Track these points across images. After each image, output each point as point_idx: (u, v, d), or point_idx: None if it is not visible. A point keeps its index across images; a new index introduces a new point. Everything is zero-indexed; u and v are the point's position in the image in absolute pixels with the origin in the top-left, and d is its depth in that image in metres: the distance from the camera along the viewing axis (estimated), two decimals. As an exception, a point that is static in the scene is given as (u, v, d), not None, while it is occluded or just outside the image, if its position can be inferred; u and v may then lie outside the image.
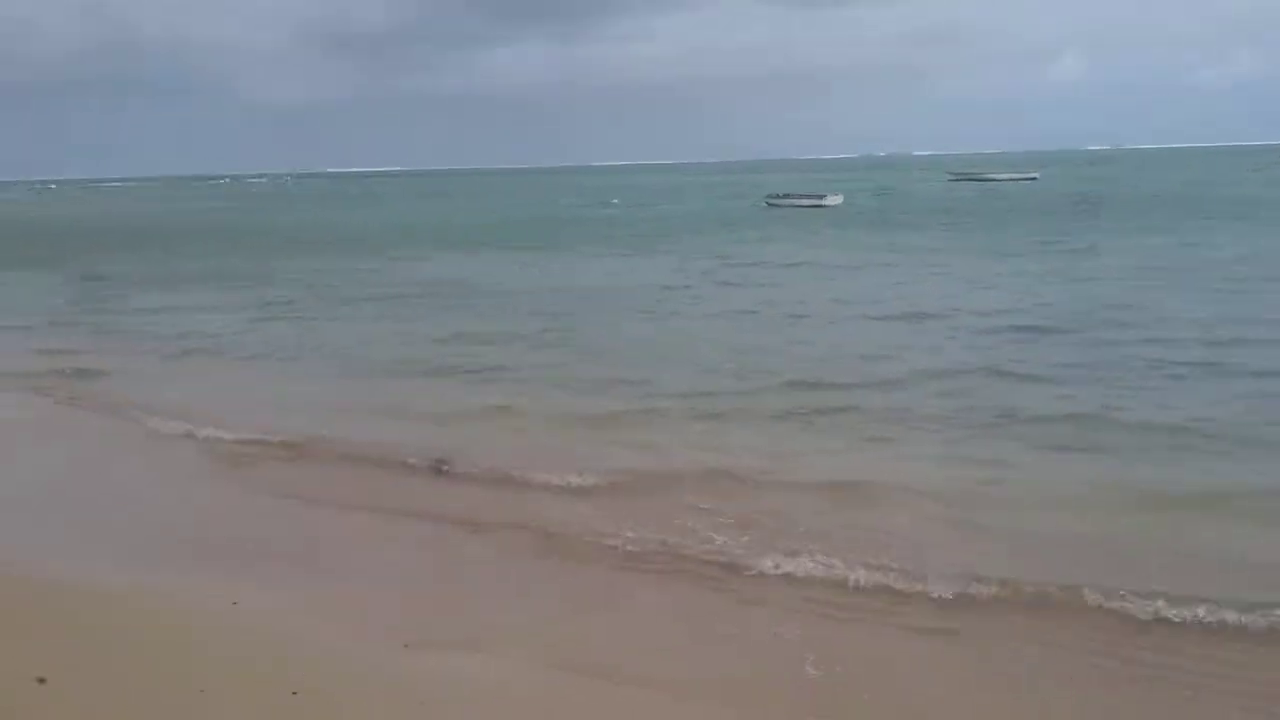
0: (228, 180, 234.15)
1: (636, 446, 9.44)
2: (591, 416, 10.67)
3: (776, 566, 6.62)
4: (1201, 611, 5.71)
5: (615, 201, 69.05)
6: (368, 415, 10.88)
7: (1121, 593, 5.91)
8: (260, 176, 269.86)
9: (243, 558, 7.06)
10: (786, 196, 58.55)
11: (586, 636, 5.72)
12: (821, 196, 57.05)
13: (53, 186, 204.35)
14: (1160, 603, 5.78)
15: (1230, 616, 5.67)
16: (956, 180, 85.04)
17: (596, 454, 9.13)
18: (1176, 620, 5.69)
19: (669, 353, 13.97)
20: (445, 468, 8.80)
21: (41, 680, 4.80)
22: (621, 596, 6.31)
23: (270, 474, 9.05)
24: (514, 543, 7.23)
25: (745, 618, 6.02)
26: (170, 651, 5.36)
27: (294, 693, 4.82)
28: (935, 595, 6.09)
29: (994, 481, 8.27)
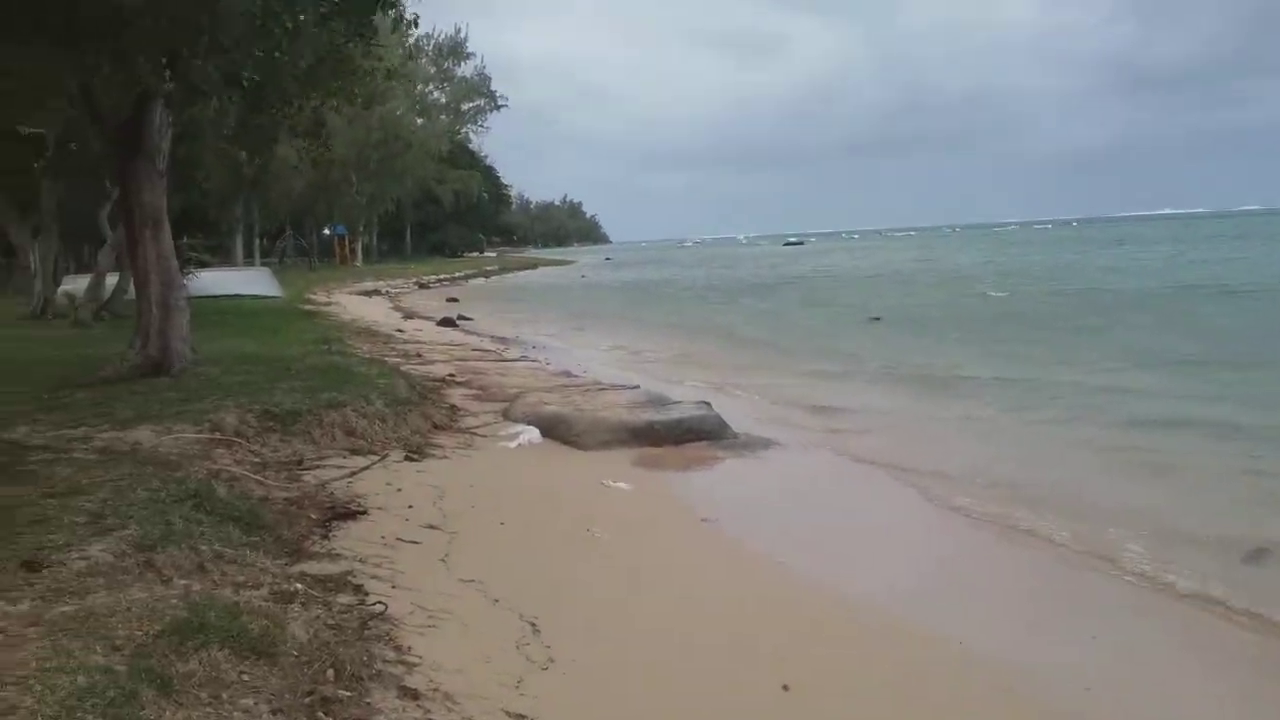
0: (1014, 226, 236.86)
1: None
2: None
3: None
4: None
5: None
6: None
7: None
8: (1047, 223, 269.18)
9: (985, 603, 6.63)
10: None
11: None
12: None
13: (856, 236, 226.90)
14: None
15: None
16: None
17: None
18: None
19: None
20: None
21: (785, 688, 4.95)
22: None
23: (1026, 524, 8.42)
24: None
25: None
26: (898, 679, 5.21)
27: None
28: None
29: None
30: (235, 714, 3.88)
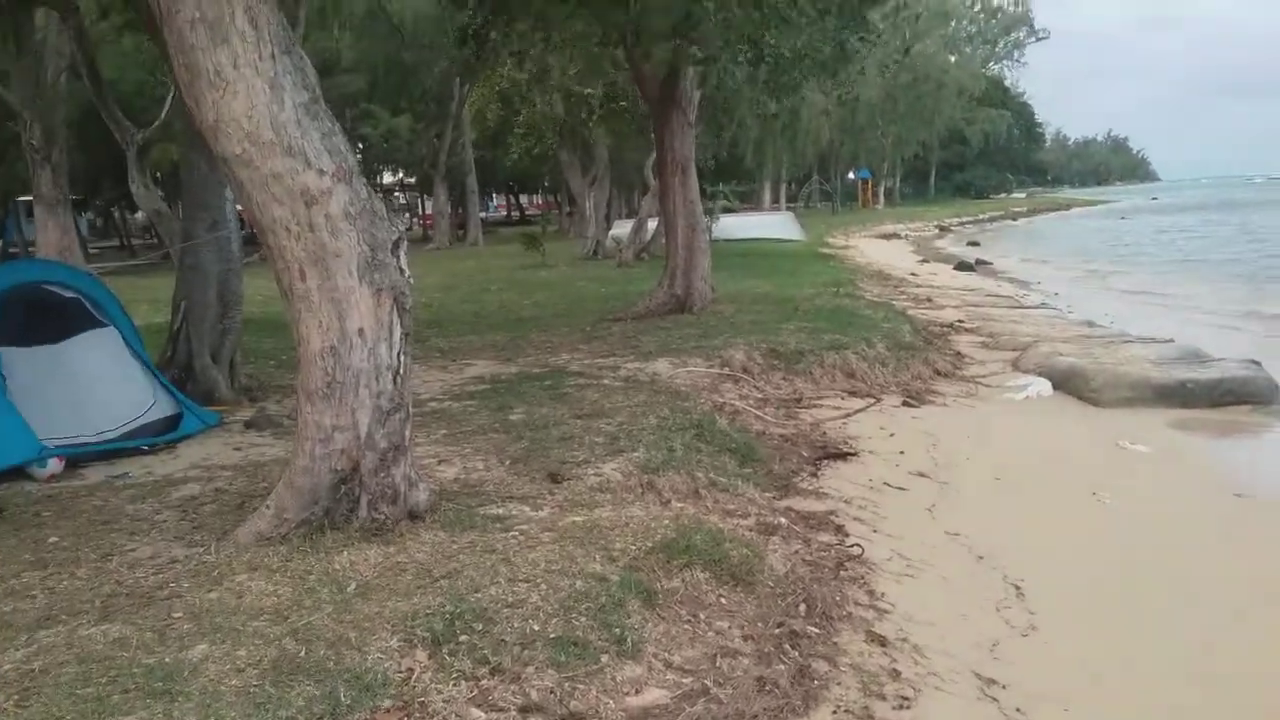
0: None
1: None
2: None
3: None
4: None
5: None
6: None
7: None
8: None
9: None
10: None
11: None
12: None
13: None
14: None
15: None
16: None
17: None
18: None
19: None
20: None
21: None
22: None
23: None
24: None
25: None
26: None
27: None
28: None
29: None
30: (709, 634, 4.14)
